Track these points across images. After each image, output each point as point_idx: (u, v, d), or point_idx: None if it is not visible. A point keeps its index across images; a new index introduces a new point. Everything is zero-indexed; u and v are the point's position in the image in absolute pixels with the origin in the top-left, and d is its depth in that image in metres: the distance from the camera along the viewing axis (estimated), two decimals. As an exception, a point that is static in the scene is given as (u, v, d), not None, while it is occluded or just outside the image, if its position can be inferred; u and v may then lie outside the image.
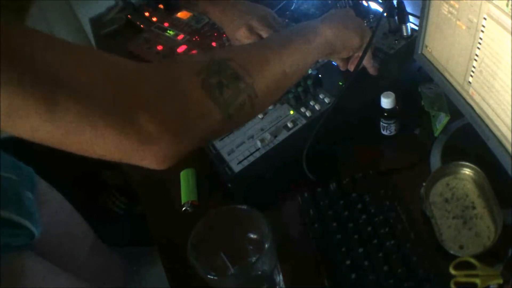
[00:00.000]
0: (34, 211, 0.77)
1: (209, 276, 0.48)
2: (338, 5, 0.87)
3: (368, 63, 0.71)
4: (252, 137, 0.74)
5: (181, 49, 1.07)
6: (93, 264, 0.98)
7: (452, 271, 0.53)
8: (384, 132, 0.75)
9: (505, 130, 0.51)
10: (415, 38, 0.72)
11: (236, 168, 0.71)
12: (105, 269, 1.05)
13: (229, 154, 0.73)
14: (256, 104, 0.48)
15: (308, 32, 0.57)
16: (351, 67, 0.70)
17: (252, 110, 0.48)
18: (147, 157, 0.39)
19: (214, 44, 1.06)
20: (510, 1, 0.45)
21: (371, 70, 0.72)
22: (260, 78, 0.48)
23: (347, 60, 0.71)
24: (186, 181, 0.78)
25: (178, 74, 0.42)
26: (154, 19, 1.28)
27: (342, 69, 0.73)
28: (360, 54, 0.66)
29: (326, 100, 0.75)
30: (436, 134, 0.71)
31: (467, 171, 0.62)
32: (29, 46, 0.34)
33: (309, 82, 0.77)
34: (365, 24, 0.67)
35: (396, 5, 0.77)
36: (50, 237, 0.83)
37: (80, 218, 0.98)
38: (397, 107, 0.71)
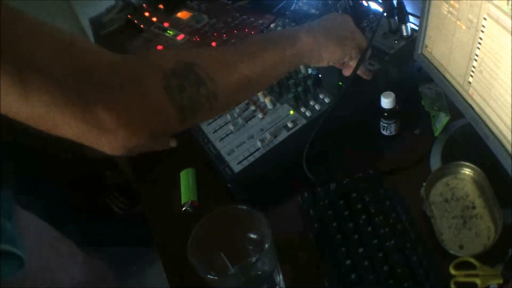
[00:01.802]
0: (16, 238, 0.75)
1: (209, 276, 0.48)
2: (338, 5, 0.87)
3: (361, 69, 0.69)
4: (252, 137, 0.74)
5: None
6: (88, 278, 0.96)
7: (452, 271, 0.53)
8: (384, 132, 0.75)
9: (505, 130, 0.51)
10: (415, 38, 0.72)
11: (236, 168, 0.71)
12: (101, 277, 1.04)
13: (229, 154, 0.73)
14: (215, 107, 0.49)
15: (285, 41, 0.56)
16: (345, 73, 0.69)
17: (210, 112, 0.50)
18: (104, 144, 0.42)
19: (214, 44, 1.06)
20: (510, 1, 0.45)
21: (365, 76, 0.71)
22: (223, 83, 0.49)
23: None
24: (186, 181, 0.78)
25: (144, 72, 0.44)
26: (154, 19, 1.28)
27: (340, 68, 0.72)
28: (349, 62, 0.66)
29: (326, 100, 0.75)
30: (436, 134, 0.71)
31: (467, 171, 0.62)
32: (12, 29, 0.36)
33: (309, 82, 0.77)
34: (358, 32, 0.64)
35: (396, 5, 0.77)
36: (38, 263, 0.81)
37: (64, 237, 0.95)
38: (397, 107, 0.71)
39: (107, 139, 0.42)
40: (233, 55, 0.52)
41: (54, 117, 0.39)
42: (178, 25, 1.20)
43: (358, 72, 0.68)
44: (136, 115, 0.42)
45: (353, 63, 0.66)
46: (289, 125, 0.73)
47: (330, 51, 0.61)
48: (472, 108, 0.57)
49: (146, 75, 0.44)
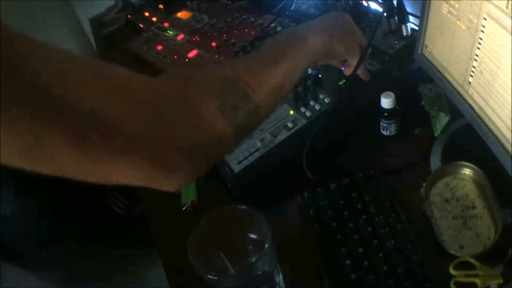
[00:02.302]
0: None
1: (209, 276, 0.48)
2: (338, 5, 0.87)
3: (360, 69, 0.69)
4: (252, 137, 0.74)
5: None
6: None
7: (452, 271, 0.53)
8: (384, 132, 0.75)
9: (505, 130, 0.51)
10: (415, 38, 0.72)
11: (236, 168, 0.70)
12: None
13: (229, 154, 0.73)
14: (260, 120, 0.49)
15: (297, 42, 0.56)
16: (346, 72, 0.69)
17: (256, 125, 0.49)
18: (172, 182, 0.40)
19: (214, 44, 1.06)
20: (510, 1, 0.45)
21: (363, 76, 0.71)
22: (263, 93, 0.48)
23: (343, 61, 0.70)
24: (186, 181, 0.78)
25: (194, 96, 0.42)
26: (154, 19, 1.28)
27: (340, 68, 0.72)
28: (350, 59, 0.66)
29: (326, 100, 0.75)
30: (436, 134, 0.71)
31: (467, 171, 0.62)
32: (54, 75, 0.32)
33: (309, 82, 0.77)
34: (358, 31, 0.65)
35: (396, 5, 0.77)
36: None
37: (46, 281, 0.93)
38: (397, 107, 0.71)
39: (175, 178, 0.40)
40: (262, 63, 0.51)
41: (115, 165, 0.36)
42: (178, 25, 1.20)
43: (357, 72, 0.68)
44: (200, 144, 0.41)
45: (353, 62, 0.66)
46: (289, 125, 0.73)
47: (334, 49, 0.61)
48: (472, 108, 0.57)
49: (200, 100, 0.42)
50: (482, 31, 0.51)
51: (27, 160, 0.32)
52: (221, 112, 0.43)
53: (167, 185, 0.40)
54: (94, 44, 1.52)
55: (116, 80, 0.37)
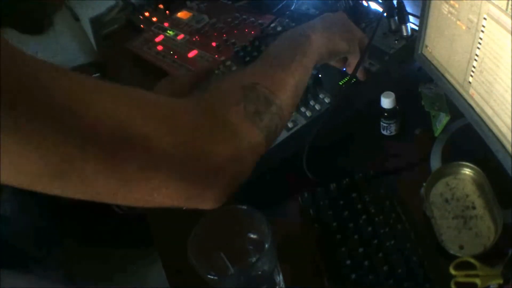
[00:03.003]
0: None
1: (209, 276, 0.48)
2: (338, 5, 0.87)
3: (356, 51, 0.68)
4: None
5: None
6: None
7: (452, 271, 0.53)
8: (384, 132, 0.75)
9: (505, 130, 0.51)
10: (415, 38, 0.72)
11: (236, 168, 0.70)
12: None
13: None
14: (284, 122, 0.49)
15: (301, 44, 0.56)
16: (348, 70, 0.70)
17: (281, 128, 0.49)
18: (206, 199, 0.40)
19: (214, 44, 1.06)
20: (510, 1, 0.45)
21: (360, 76, 0.71)
22: (283, 98, 0.48)
23: (343, 60, 0.70)
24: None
25: (221, 108, 0.42)
26: (154, 19, 1.29)
27: (341, 68, 0.72)
28: (351, 57, 0.66)
29: (326, 100, 0.75)
30: (436, 134, 0.71)
31: (467, 171, 0.62)
32: (81, 96, 0.32)
33: (309, 82, 0.77)
34: (356, 28, 0.65)
35: (396, 5, 0.77)
36: None
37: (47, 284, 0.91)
38: (397, 107, 0.71)
39: (212, 194, 0.39)
40: (275, 68, 0.51)
41: (148, 185, 0.35)
42: (178, 25, 1.20)
43: (351, 65, 0.68)
44: (235, 156, 0.40)
45: (354, 60, 0.66)
46: (289, 125, 0.73)
47: (336, 46, 0.61)
48: (472, 108, 0.57)
49: (227, 111, 0.42)
50: (482, 31, 0.51)
51: (59, 185, 0.32)
52: (248, 118, 0.42)
53: (205, 202, 0.40)
54: (94, 44, 1.51)
55: (143, 97, 0.37)
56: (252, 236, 0.55)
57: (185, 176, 0.37)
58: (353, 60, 0.66)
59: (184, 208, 0.40)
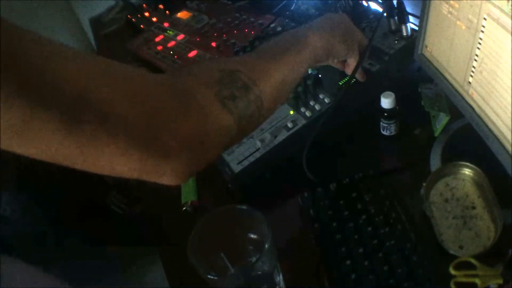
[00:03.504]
0: None
1: (209, 276, 0.48)
2: (338, 5, 0.87)
3: (355, 53, 0.68)
4: (252, 137, 0.74)
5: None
6: None
7: (452, 271, 0.53)
8: (384, 132, 0.75)
9: (505, 130, 0.51)
10: (415, 38, 0.72)
11: (236, 168, 0.71)
12: None
13: (229, 154, 0.73)
14: (263, 113, 0.49)
15: (298, 41, 0.57)
16: (347, 71, 0.70)
17: (259, 119, 0.49)
18: (167, 173, 0.39)
19: (214, 44, 1.06)
20: (510, 1, 0.45)
21: (359, 77, 0.71)
22: (265, 87, 0.48)
23: (342, 62, 0.70)
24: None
25: (193, 87, 0.42)
26: (154, 19, 1.29)
27: (340, 69, 0.73)
28: (350, 58, 0.66)
29: (326, 100, 0.75)
30: (436, 134, 0.71)
31: (467, 171, 0.62)
32: (46, 58, 0.32)
33: (309, 82, 0.77)
34: (356, 30, 0.66)
35: (396, 5, 0.77)
36: None
37: (46, 274, 0.91)
38: (397, 107, 0.71)
39: (172, 167, 0.39)
40: (263, 59, 0.52)
41: (107, 150, 0.35)
42: (178, 25, 1.20)
43: (350, 67, 0.68)
44: (199, 132, 0.41)
45: (353, 61, 0.66)
46: (289, 125, 0.73)
47: (335, 47, 0.61)
48: (472, 108, 0.57)
49: (196, 90, 0.42)
50: (482, 31, 0.51)
51: (18, 142, 0.32)
52: (219, 101, 0.43)
53: (165, 176, 0.39)
54: (94, 44, 1.52)
55: (111, 67, 0.38)
56: (252, 236, 0.55)
57: (145, 146, 0.37)
58: (352, 62, 0.67)
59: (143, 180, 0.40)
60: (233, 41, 1.04)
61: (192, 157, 0.40)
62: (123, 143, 0.36)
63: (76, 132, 0.33)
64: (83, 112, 0.33)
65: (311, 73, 0.79)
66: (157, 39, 1.17)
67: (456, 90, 0.60)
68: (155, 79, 0.41)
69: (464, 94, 0.58)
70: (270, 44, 0.56)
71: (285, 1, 1.04)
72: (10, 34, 0.31)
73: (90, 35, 1.52)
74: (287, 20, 0.99)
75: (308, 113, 0.74)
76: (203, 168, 0.43)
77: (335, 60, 0.67)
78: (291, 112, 0.76)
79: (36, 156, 0.34)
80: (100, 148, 0.35)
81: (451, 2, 0.57)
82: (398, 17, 0.78)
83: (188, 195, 0.75)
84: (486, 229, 0.57)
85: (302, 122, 0.73)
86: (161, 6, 1.32)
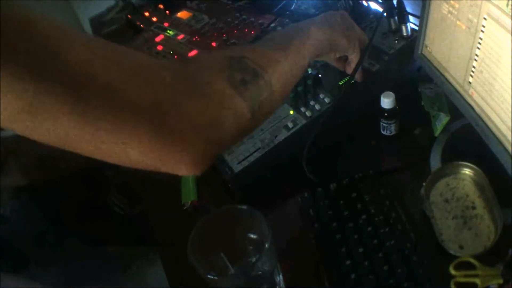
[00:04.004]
0: None
1: (209, 276, 0.48)
2: (338, 5, 0.87)
3: (356, 50, 0.68)
4: (252, 137, 0.74)
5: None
6: None
7: (452, 271, 0.53)
8: (384, 132, 0.75)
9: (505, 130, 0.51)
10: (415, 38, 0.72)
11: (236, 168, 0.71)
12: None
13: (229, 154, 0.73)
14: (273, 101, 0.48)
15: (301, 32, 0.57)
16: (348, 70, 0.70)
17: (270, 108, 0.49)
18: (184, 160, 0.38)
19: (214, 44, 1.06)
20: (510, 1, 0.45)
21: (358, 77, 0.71)
22: (274, 75, 0.48)
23: (343, 61, 0.70)
24: (186, 181, 0.78)
25: (201, 72, 0.42)
26: (154, 19, 1.28)
27: (340, 69, 0.73)
28: (351, 55, 0.66)
29: (326, 100, 0.75)
30: (436, 134, 0.71)
31: (467, 171, 0.62)
32: (58, 40, 0.33)
33: (309, 82, 0.77)
34: (357, 27, 0.66)
35: (396, 5, 0.77)
36: None
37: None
38: (397, 107, 0.71)
39: (188, 153, 0.38)
40: (270, 48, 0.51)
41: (118, 133, 0.35)
42: (178, 25, 1.20)
43: (351, 64, 0.68)
44: (212, 115, 0.40)
45: (354, 59, 0.67)
46: (289, 125, 0.73)
47: (337, 41, 0.62)
48: (472, 108, 0.57)
49: (209, 75, 0.41)
50: (482, 31, 0.51)
51: (27, 124, 0.32)
52: (231, 85, 0.42)
53: (181, 165, 0.38)
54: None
55: (124, 51, 0.37)
56: (252, 236, 0.55)
57: (158, 131, 0.36)
58: (353, 59, 0.67)
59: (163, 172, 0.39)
60: (233, 41, 1.03)
61: (207, 144, 0.39)
62: (134, 128, 0.35)
63: (85, 115, 0.33)
64: (92, 94, 0.33)
65: (311, 73, 0.79)
66: (157, 39, 1.17)
67: (456, 90, 0.60)
68: (162, 65, 0.40)
69: (464, 94, 0.58)
70: (274, 35, 0.56)
71: (285, 1, 1.04)
72: (24, 16, 0.31)
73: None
74: (287, 20, 0.99)
75: (308, 113, 0.74)
76: (217, 155, 0.42)
77: (337, 56, 0.67)
78: (291, 112, 0.76)
79: (49, 141, 0.34)
80: (112, 133, 0.34)
81: (451, 2, 0.57)
82: (398, 17, 0.78)
83: (188, 195, 0.75)
84: (486, 229, 0.57)
85: (302, 122, 0.73)
86: (161, 6, 1.32)
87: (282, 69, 0.50)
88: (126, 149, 0.36)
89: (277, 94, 0.49)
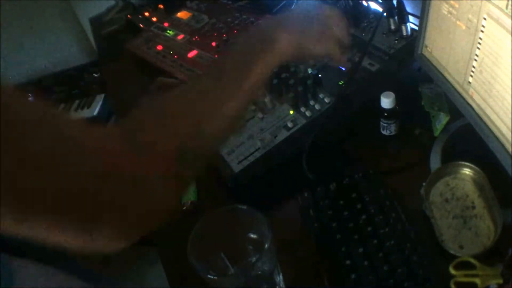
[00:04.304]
0: None
1: (209, 276, 0.48)
2: (338, 5, 0.87)
3: (336, 56, 0.62)
4: (252, 137, 0.74)
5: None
6: None
7: (452, 271, 0.53)
8: (384, 132, 0.75)
9: (505, 130, 0.51)
10: (415, 38, 0.72)
11: (236, 168, 0.71)
12: None
13: (229, 154, 0.73)
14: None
15: (265, 46, 0.52)
16: (333, 63, 0.67)
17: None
18: (105, 249, 0.40)
19: (214, 44, 1.06)
20: (510, 1, 0.45)
21: (339, 63, 0.68)
22: (219, 122, 0.46)
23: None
24: (186, 181, 0.78)
25: (142, 168, 0.40)
26: (154, 19, 1.29)
27: (336, 66, 0.71)
28: (329, 55, 0.62)
29: (326, 100, 0.75)
30: (436, 134, 0.71)
31: (467, 171, 0.62)
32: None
33: (309, 82, 0.77)
34: (336, 26, 0.60)
35: (396, 5, 0.77)
36: None
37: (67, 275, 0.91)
38: (397, 107, 0.71)
39: (111, 247, 0.40)
40: (225, 79, 0.48)
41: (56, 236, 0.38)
42: (178, 25, 1.20)
43: (335, 60, 0.63)
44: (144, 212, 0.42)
45: (336, 58, 0.62)
46: (289, 125, 0.73)
47: (306, 49, 0.57)
48: (472, 108, 0.57)
49: (146, 173, 0.41)
50: (482, 31, 0.51)
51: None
52: (176, 182, 0.42)
53: (99, 250, 0.40)
54: (94, 44, 1.52)
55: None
56: (252, 236, 0.55)
57: (89, 235, 0.38)
58: (335, 58, 0.62)
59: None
60: (233, 41, 1.04)
61: (132, 238, 0.42)
62: (68, 230, 0.38)
63: (28, 224, 0.35)
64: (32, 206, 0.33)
65: (311, 73, 0.79)
66: (157, 39, 1.17)
67: (456, 90, 0.60)
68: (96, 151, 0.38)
69: (464, 94, 0.58)
70: (233, 55, 0.53)
71: (285, 1, 1.05)
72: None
73: (90, 35, 1.52)
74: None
75: (308, 113, 0.74)
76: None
77: (311, 58, 0.65)
78: (291, 112, 0.76)
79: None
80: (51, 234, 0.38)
81: (451, 2, 0.57)
82: (398, 17, 0.78)
83: (188, 195, 0.75)
84: (486, 229, 0.57)
85: (302, 122, 0.73)
86: (161, 6, 1.32)
87: (239, 101, 0.48)
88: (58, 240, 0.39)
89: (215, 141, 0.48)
